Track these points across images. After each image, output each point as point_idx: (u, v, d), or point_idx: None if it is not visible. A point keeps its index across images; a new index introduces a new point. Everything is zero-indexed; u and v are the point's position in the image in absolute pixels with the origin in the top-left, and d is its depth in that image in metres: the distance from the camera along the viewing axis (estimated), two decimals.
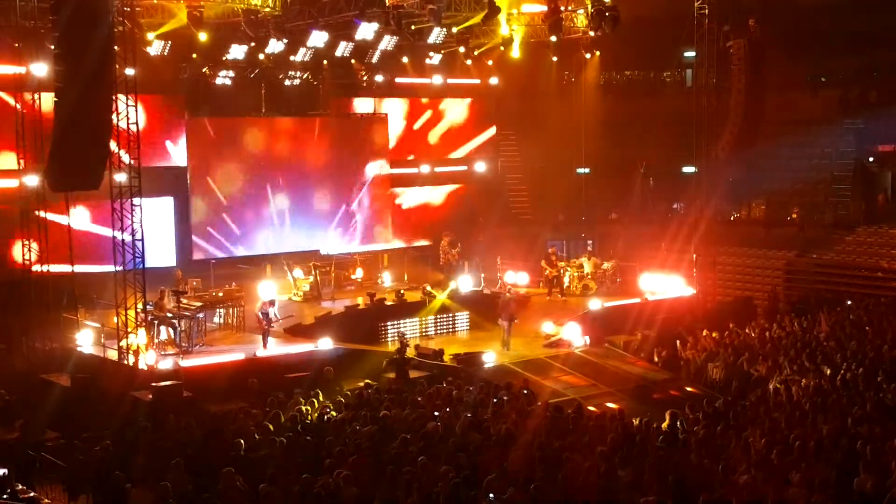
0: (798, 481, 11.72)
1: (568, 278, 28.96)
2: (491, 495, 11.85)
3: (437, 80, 32.59)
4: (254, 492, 12.17)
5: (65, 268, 23.63)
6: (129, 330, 20.10)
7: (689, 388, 21.23)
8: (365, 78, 31.89)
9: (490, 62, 31.32)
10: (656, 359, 23.44)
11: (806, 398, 16.94)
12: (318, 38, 27.02)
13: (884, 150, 33.42)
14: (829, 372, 19.29)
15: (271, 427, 15.53)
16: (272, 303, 22.32)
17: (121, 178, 19.96)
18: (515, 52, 28.21)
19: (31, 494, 13.81)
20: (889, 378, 17.99)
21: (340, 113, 31.81)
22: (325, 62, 29.92)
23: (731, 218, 35.07)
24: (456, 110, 34.56)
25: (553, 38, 26.77)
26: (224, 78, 29.16)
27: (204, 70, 28.26)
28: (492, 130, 35.82)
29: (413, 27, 25.82)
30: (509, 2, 25.51)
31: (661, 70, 39.49)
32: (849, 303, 26.53)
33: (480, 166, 35.55)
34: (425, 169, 34.42)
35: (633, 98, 37.80)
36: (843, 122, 34.26)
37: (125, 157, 19.96)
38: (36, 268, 23.57)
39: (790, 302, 28.08)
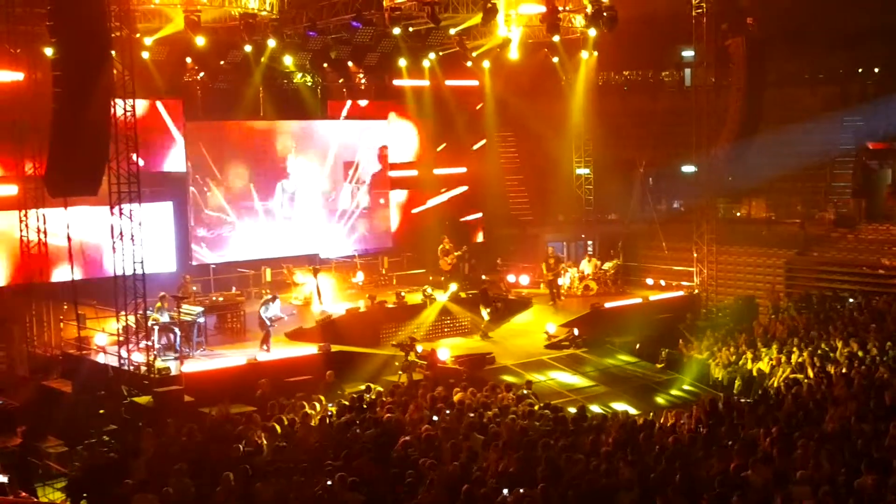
0: (802, 479, 11.66)
1: (569, 279, 28.95)
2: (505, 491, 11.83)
3: (434, 81, 32.53)
4: (254, 495, 12.11)
5: (65, 274, 23.60)
6: (130, 336, 20.10)
7: None
8: (363, 80, 31.84)
9: (488, 63, 31.23)
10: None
11: (809, 396, 16.89)
12: (315, 41, 27.00)
13: (880, 147, 33.23)
14: (832, 369, 19.27)
15: (277, 429, 15.49)
16: (273, 298, 22.29)
17: (119, 182, 19.94)
18: (514, 54, 28.07)
19: (33, 501, 13.78)
20: (893, 374, 17.98)
21: (338, 115, 31.74)
22: (323, 65, 29.91)
23: (735, 214, 35.02)
24: (454, 111, 34.44)
25: (556, 38, 26.72)
26: (222, 81, 29.13)
27: (201, 74, 28.22)
28: (491, 131, 35.75)
29: (411, 29, 25.75)
30: (507, 3, 25.42)
31: (660, 69, 39.40)
32: (850, 300, 26.47)
33: (480, 168, 35.47)
34: (425, 171, 34.33)
35: (631, 98, 37.74)
36: (842, 119, 34.18)
37: (123, 163, 19.94)
38: (36, 274, 23.54)
39: (792, 300, 27.99)
